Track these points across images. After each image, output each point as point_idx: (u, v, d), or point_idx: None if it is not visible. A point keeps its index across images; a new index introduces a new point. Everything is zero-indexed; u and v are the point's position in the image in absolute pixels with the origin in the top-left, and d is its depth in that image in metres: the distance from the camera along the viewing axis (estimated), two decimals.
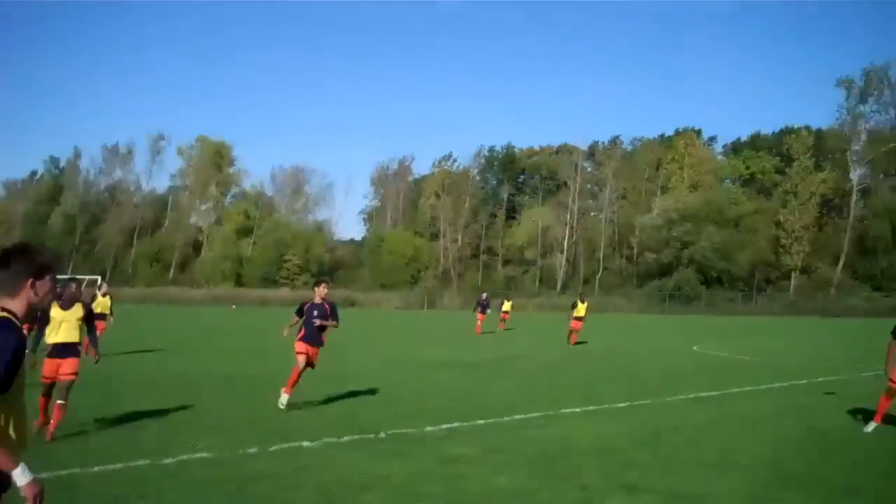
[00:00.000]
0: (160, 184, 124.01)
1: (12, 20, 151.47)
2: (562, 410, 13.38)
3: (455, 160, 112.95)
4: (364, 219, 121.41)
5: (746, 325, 54.12)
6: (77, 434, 10.51)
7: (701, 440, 10.96)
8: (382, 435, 10.83)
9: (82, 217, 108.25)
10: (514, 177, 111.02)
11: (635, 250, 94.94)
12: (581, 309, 30.42)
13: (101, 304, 22.23)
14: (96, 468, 8.67)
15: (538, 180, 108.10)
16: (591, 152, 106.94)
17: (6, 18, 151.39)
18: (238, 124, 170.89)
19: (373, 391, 15.51)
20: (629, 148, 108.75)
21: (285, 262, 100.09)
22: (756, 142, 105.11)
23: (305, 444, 10.17)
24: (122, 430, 10.98)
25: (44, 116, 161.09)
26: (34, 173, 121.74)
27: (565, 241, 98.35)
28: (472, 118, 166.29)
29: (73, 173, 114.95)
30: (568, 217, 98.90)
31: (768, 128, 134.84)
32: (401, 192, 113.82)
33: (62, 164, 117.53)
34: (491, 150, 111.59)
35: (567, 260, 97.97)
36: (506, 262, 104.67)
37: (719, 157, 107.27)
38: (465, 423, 11.90)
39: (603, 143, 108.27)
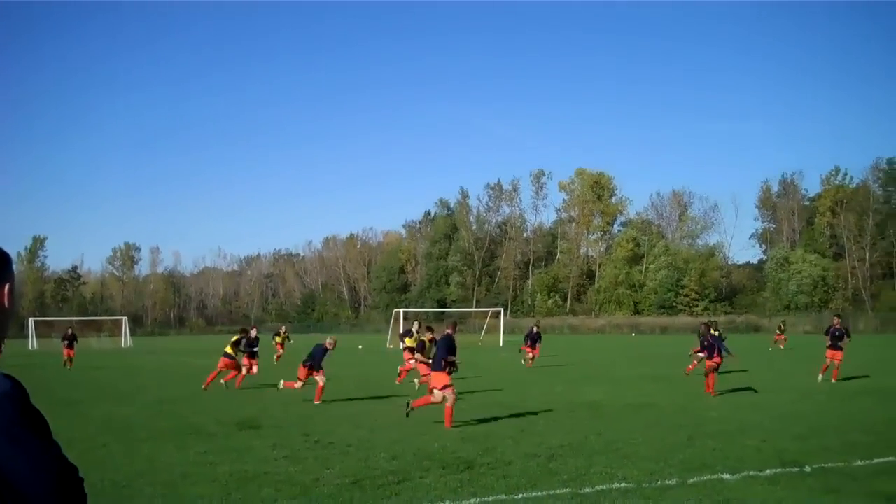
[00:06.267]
0: (546, 217, 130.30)
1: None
2: None
3: (847, 174, 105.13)
4: (757, 241, 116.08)
5: None
6: (500, 462, 10.88)
7: None
8: (807, 469, 10.16)
9: (478, 252, 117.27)
10: None
11: None
12: None
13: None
14: (520, 495, 8.93)
15: None
16: None
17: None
18: (614, 153, 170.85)
19: (790, 421, 14.80)
20: None
21: (681, 287, 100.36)
22: None
23: (725, 476, 9.77)
24: (540, 458, 11.19)
25: (432, 160, 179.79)
26: (428, 214, 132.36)
27: None
28: (860, 130, 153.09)
29: (463, 212, 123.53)
30: None
31: None
32: (795, 212, 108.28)
33: (452, 203, 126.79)
34: (890, 161, 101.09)
35: None
36: None
37: None
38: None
39: None
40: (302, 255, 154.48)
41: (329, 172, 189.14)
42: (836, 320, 24.83)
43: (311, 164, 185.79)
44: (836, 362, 23.24)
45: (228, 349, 23.53)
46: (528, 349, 32.32)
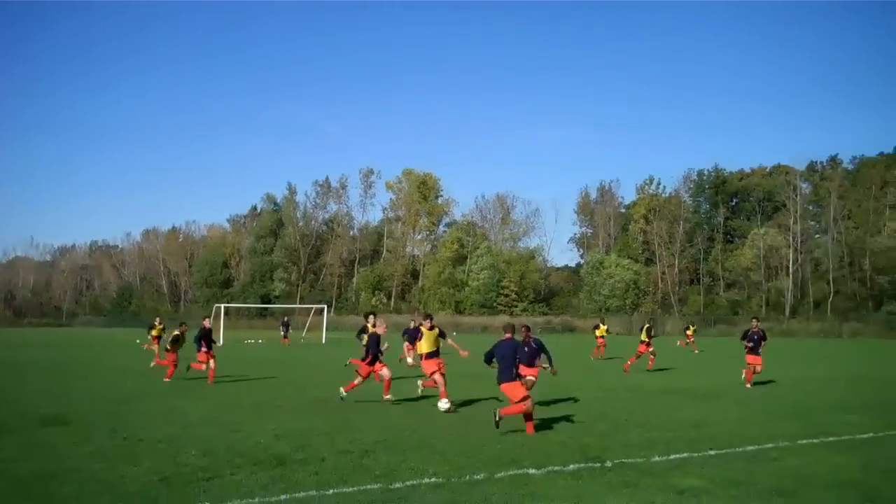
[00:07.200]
0: (373, 216, 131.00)
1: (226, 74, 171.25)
2: (799, 442, 12.73)
3: (660, 184, 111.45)
4: (575, 245, 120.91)
5: None
6: (313, 458, 10.92)
7: None
8: (608, 464, 10.63)
9: (304, 249, 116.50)
10: (727, 199, 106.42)
11: (868, 273, 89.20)
12: (602, 330, 38.34)
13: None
14: (331, 491, 8.96)
15: (754, 202, 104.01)
16: (809, 172, 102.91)
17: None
18: (442, 155, 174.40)
19: (595, 419, 15.29)
20: (849, 167, 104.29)
21: (502, 288, 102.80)
22: None
23: (531, 471, 10.11)
24: (353, 454, 11.27)
25: (259, 155, 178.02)
26: (254, 209, 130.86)
27: (790, 264, 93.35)
28: (674, 142, 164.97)
29: (290, 208, 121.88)
30: (790, 239, 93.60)
31: None
32: (611, 218, 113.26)
33: (279, 199, 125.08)
34: (700, 173, 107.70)
35: (794, 283, 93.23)
36: (728, 286, 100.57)
37: None
38: (695, 454, 11.55)
39: (821, 162, 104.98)
40: (120, 246, 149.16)
41: (151, 163, 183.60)
42: (754, 323, 24.26)
43: (132, 154, 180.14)
44: (759, 368, 23.04)
45: (169, 345, 24.53)
46: (409, 348, 26.80)
